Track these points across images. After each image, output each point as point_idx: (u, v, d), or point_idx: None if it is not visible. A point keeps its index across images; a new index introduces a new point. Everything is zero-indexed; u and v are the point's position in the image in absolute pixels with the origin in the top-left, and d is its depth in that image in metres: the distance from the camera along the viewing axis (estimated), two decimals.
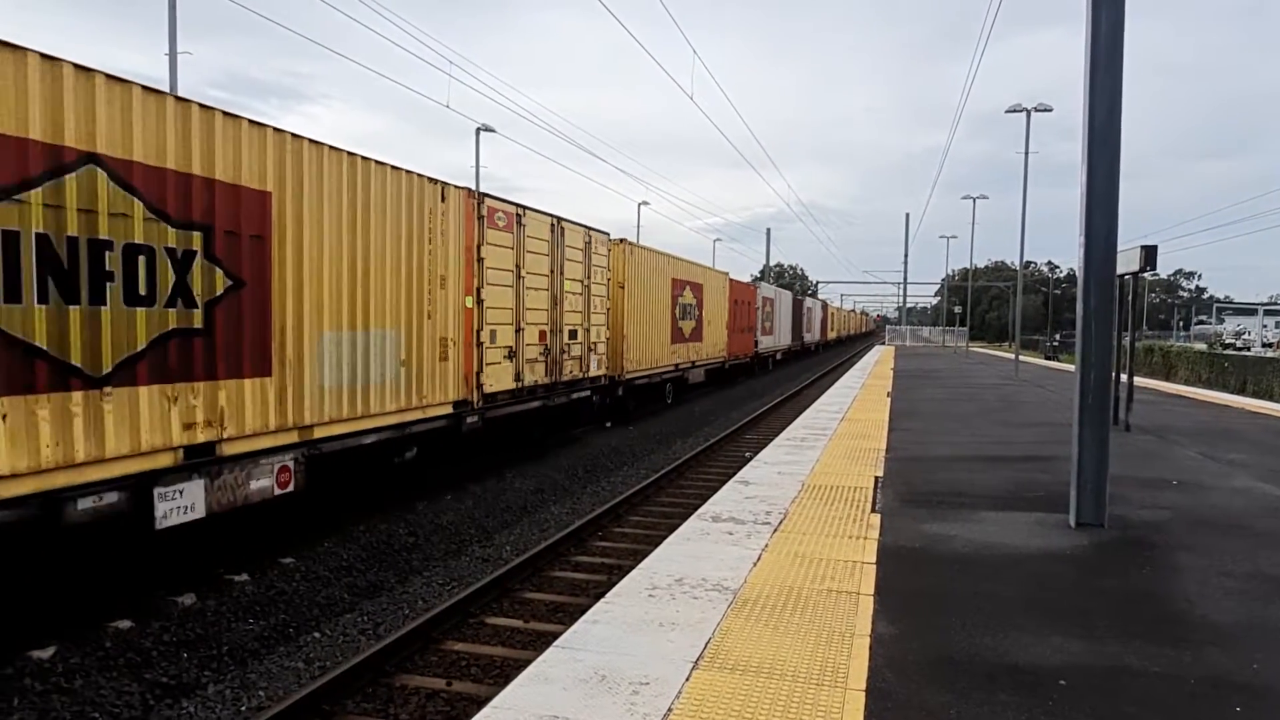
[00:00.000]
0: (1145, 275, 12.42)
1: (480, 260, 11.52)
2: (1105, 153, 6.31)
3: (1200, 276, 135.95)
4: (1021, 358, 32.73)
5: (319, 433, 8.40)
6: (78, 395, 5.98)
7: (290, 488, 8.06)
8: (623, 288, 17.92)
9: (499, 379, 12.10)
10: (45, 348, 5.78)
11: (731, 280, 29.58)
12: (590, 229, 15.71)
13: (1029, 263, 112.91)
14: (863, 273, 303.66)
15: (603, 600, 4.73)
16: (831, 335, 71.11)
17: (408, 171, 9.74)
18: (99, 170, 6.12)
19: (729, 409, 23.25)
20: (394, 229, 9.50)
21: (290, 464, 8.06)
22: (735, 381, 30.68)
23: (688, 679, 3.71)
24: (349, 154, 8.77)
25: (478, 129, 34.56)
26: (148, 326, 6.52)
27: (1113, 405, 8.33)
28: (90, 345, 6.09)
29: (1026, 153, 27.35)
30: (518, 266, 12.72)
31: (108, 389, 6.20)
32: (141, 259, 6.46)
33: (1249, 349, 52.88)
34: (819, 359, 53.77)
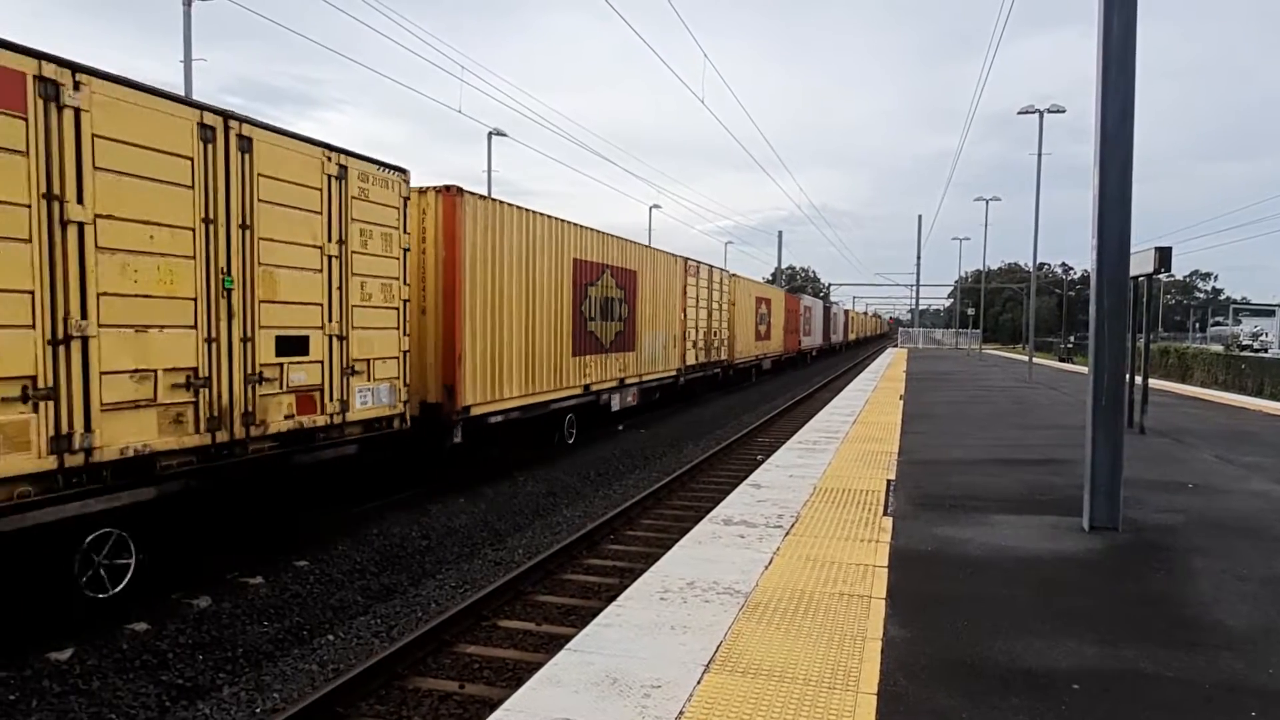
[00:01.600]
0: (1160, 277, 12.34)
1: (684, 294, 21.73)
2: (1118, 154, 6.28)
3: (1216, 277, 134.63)
4: (1035, 360, 32.55)
5: (645, 378, 18.53)
6: (601, 356, 15.84)
7: (635, 403, 18.19)
8: (733, 305, 27.54)
9: (690, 358, 22.35)
10: (599, 336, 15.70)
11: (785, 294, 40.19)
12: (722, 270, 26.49)
13: (1043, 264, 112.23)
14: (875, 275, 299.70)
15: (614, 603, 4.75)
16: (851, 336, 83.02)
17: (666, 252, 20.41)
18: (608, 271, 16.05)
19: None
20: (663, 281, 19.90)
21: (636, 391, 18.16)
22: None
23: (699, 682, 3.72)
24: (653, 248, 19.30)
25: (489, 133, 34.66)
26: (614, 329, 16.46)
27: (1127, 408, 8.28)
28: (603, 335, 15.81)
29: (1040, 154, 27.23)
30: (697, 295, 23.05)
31: (608, 354, 16.12)
32: (613, 303, 16.35)
33: (1266, 350, 52.44)
34: (841, 357, 63.07)
